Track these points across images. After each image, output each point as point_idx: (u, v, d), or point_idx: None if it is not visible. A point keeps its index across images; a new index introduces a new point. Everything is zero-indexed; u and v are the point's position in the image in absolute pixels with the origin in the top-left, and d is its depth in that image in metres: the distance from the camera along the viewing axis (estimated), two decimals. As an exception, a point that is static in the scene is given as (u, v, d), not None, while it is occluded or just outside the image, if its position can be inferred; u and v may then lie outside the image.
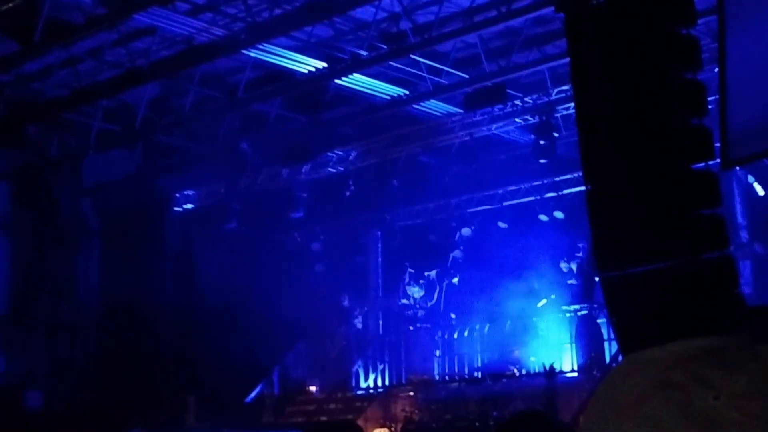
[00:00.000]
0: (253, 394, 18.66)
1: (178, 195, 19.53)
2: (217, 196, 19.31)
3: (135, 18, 13.53)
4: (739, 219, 16.22)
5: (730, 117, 8.14)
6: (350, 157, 18.18)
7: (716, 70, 8.62)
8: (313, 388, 19.26)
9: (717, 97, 8.49)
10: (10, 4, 13.23)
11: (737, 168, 14.03)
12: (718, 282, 7.38)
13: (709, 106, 8.05)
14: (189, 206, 19.72)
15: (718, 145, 8.03)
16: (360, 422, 17.54)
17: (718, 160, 8.30)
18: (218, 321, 17.80)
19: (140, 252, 18.62)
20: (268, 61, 14.71)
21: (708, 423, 0.98)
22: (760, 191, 15.97)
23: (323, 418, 17.71)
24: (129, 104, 16.73)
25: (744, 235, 16.23)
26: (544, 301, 17.76)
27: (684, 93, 7.74)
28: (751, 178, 16.05)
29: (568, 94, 14.65)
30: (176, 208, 19.62)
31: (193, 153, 18.21)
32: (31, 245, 18.61)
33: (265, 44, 14.13)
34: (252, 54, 14.42)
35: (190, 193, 19.65)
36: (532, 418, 3.90)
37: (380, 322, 20.26)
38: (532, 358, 17.07)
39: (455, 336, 18.49)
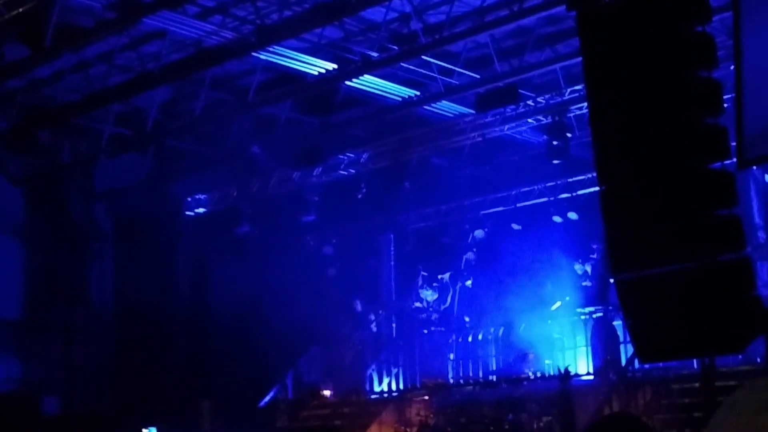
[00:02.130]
0: (267, 398, 18.58)
1: (189, 199, 19.49)
2: (229, 200, 19.26)
3: (144, 21, 13.48)
4: (756, 219, 16.02)
5: (746, 115, 8.01)
6: (362, 160, 18.09)
7: (732, 67, 8.49)
8: (327, 393, 19.16)
9: (733, 95, 8.37)
10: (20, 9, 13.20)
11: (754, 167, 13.87)
12: (735, 284, 7.26)
13: (725, 105, 7.93)
14: (201, 210, 19.68)
15: (734, 144, 7.90)
16: (374, 426, 17.48)
17: (734, 160, 8.18)
18: (231, 325, 17.75)
19: (153, 256, 18.60)
20: (278, 64, 14.64)
21: None
22: (777, 191, 15.79)
23: (337, 423, 17.61)
24: (140, 108, 16.72)
25: (761, 235, 16.03)
26: (559, 303, 17.62)
27: (699, 91, 7.61)
28: (768, 177, 15.87)
29: (581, 93, 14.49)
30: (188, 213, 19.58)
31: (204, 157, 18.18)
32: (44, 251, 18.61)
33: (274, 46, 14.07)
34: (262, 56, 14.36)
35: (202, 197, 19.62)
36: (623, 421, 3.78)
37: (394, 325, 20.16)
38: (547, 361, 16.93)
39: (469, 339, 18.36)
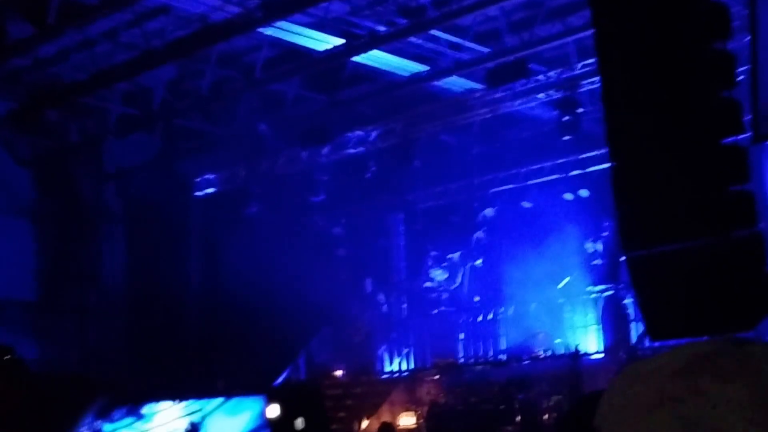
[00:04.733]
0: (280, 379, 18.52)
1: (198, 179, 19.39)
2: (237, 180, 19.14)
3: (148, -4, 13.35)
4: (770, 195, 15.81)
5: (761, 89, 7.85)
6: (370, 138, 17.90)
7: (747, 39, 8.32)
8: (338, 373, 19.12)
9: (747, 67, 8.18)
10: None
11: (768, 142, 13.64)
12: (747, 260, 7.14)
13: (739, 78, 7.75)
14: (210, 191, 19.57)
15: (748, 118, 7.73)
16: (386, 406, 17.43)
17: (748, 134, 8.01)
18: (242, 305, 17.65)
19: (163, 237, 18.52)
20: (284, 40, 14.50)
21: None
22: (793, 166, 15.55)
23: (349, 402, 17.56)
24: (146, 87, 16.61)
25: (776, 211, 15.82)
26: (566, 280, 17.47)
27: (712, 64, 7.45)
28: (782, 153, 15.62)
29: (593, 67, 14.21)
30: (197, 193, 19.48)
31: (212, 135, 18.07)
32: (55, 232, 18.57)
33: (281, 22, 13.91)
34: (268, 32, 14.23)
35: (211, 177, 19.50)
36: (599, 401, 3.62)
37: (404, 306, 20.06)
38: (558, 340, 16.82)
39: (479, 319, 18.25)
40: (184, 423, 13.91)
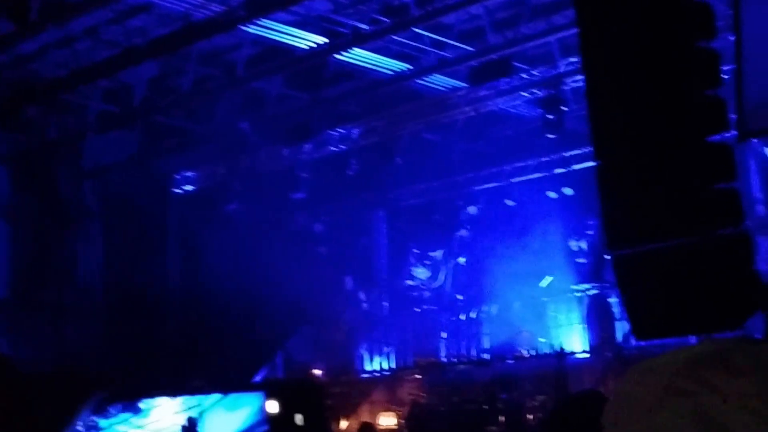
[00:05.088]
0: (257, 378, 18.42)
1: (178, 176, 19.25)
2: (218, 178, 19.04)
3: (129, -6, 13.24)
4: (756, 193, 15.86)
5: (746, 87, 7.84)
6: (352, 135, 17.84)
7: (731, 38, 8.30)
8: (318, 372, 19.02)
9: (732, 66, 8.17)
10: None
11: (754, 140, 13.68)
12: (734, 259, 7.12)
13: (724, 76, 7.74)
14: (189, 188, 19.44)
15: (733, 116, 7.72)
16: (366, 406, 17.37)
17: (734, 132, 8.00)
18: (221, 303, 17.56)
19: (142, 234, 18.38)
20: (267, 37, 14.42)
21: (720, 426, 1.02)
22: (777, 164, 15.61)
23: (328, 402, 17.47)
24: (127, 84, 16.48)
25: (761, 209, 15.87)
26: (549, 279, 17.47)
27: (697, 62, 7.43)
28: (767, 151, 15.68)
29: (577, 65, 14.23)
30: (176, 190, 19.35)
31: (193, 133, 17.94)
32: (32, 229, 18.39)
33: (263, 20, 13.82)
34: (250, 30, 14.13)
35: (190, 174, 19.37)
36: (590, 400, 3.63)
37: (385, 304, 20.00)
38: (541, 339, 16.80)
39: (462, 317, 18.22)
40: (182, 418, 13.85)
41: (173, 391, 14.32)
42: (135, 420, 14.14)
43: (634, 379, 1.12)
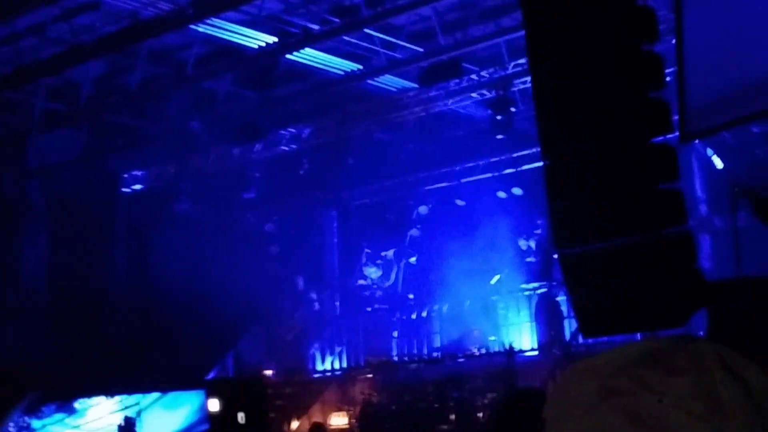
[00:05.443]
0: (207, 378, 18.31)
1: (126, 176, 19.05)
2: (167, 177, 18.88)
3: (78, -9, 13.10)
4: (698, 193, 16.08)
5: (688, 89, 7.95)
6: (303, 135, 17.80)
7: (673, 41, 8.42)
8: (269, 372, 18.92)
9: (674, 69, 8.29)
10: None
11: (696, 141, 13.88)
12: (677, 257, 7.22)
13: (667, 79, 7.86)
14: (138, 187, 19.25)
15: (676, 118, 7.83)
16: (317, 406, 17.32)
17: (677, 134, 8.12)
18: (171, 303, 17.41)
19: (89, 235, 18.15)
20: (217, 37, 14.33)
21: (655, 426, 1.02)
22: (719, 165, 15.83)
23: (279, 403, 17.41)
24: (74, 82, 16.28)
25: (703, 209, 16.10)
26: (497, 277, 17.59)
27: (641, 65, 7.53)
28: (710, 152, 15.89)
29: (525, 67, 14.36)
30: (125, 190, 19.15)
31: (141, 132, 17.77)
32: (-25, 229, 18.11)
33: (213, 19, 13.74)
34: (200, 29, 14.04)
35: (139, 173, 19.19)
36: (530, 397, 3.69)
37: (337, 303, 19.97)
38: (492, 338, 16.90)
39: (413, 316, 18.25)
40: (119, 418, 13.67)
41: (110, 391, 14.09)
42: (70, 420, 13.92)
43: (571, 379, 1.10)
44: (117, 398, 13.91)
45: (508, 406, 3.80)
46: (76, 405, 13.98)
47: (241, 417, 12.56)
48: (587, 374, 1.09)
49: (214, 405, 12.88)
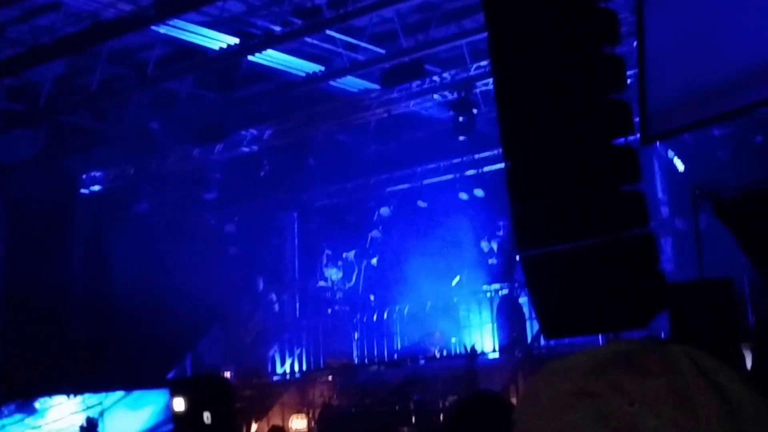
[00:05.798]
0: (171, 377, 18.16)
1: (85, 177, 18.87)
2: (127, 178, 18.73)
3: (37, -8, 12.96)
4: (660, 195, 16.22)
5: (649, 91, 8.02)
6: (265, 136, 17.74)
7: (635, 44, 8.49)
8: (228, 375, 18.79)
9: (636, 71, 8.36)
10: None
11: (657, 143, 14.01)
12: (639, 259, 7.28)
13: (628, 81, 7.92)
14: (97, 188, 19.08)
15: (637, 120, 7.89)
16: (276, 408, 17.24)
17: (638, 136, 8.18)
18: (129, 305, 17.26)
19: (47, 236, 17.92)
20: (178, 38, 14.24)
21: (626, 429, 1.01)
22: (681, 167, 15.98)
23: (238, 405, 17.29)
24: (32, 83, 16.10)
25: (665, 210, 16.25)
26: (458, 278, 17.63)
27: (603, 67, 7.61)
28: (671, 154, 16.04)
29: (487, 69, 14.41)
30: (83, 191, 18.97)
31: (101, 133, 17.61)
32: (-70, 230, 17.82)
33: (174, 20, 13.65)
34: (161, 30, 13.93)
35: (98, 174, 19.01)
36: (484, 401, 3.67)
37: (297, 305, 19.90)
38: (453, 340, 16.92)
39: (374, 318, 18.22)
40: (81, 418, 13.48)
41: (72, 390, 13.88)
42: (30, 420, 13.69)
43: (543, 381, 1.09)
44: (79, 398, 13.70)
45: (462, 409, 3.80)
46: (36, 405, 13.76)
47: (206, 416, 12.39)
48: (559, 376, 1.08)
49: (179, 404, 12.68)
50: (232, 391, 14.28)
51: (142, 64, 15.42)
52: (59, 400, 13.69)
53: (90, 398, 13.64)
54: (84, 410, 13.55)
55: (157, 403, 13.39)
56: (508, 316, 16.39)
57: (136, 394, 13.72)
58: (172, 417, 12.84)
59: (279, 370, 18.78)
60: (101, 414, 13.47)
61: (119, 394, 13.71)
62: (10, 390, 14.05)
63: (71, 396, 13.71)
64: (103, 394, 13.66)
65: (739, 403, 1.03)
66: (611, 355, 1.07)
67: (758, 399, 1.04)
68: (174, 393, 12.88)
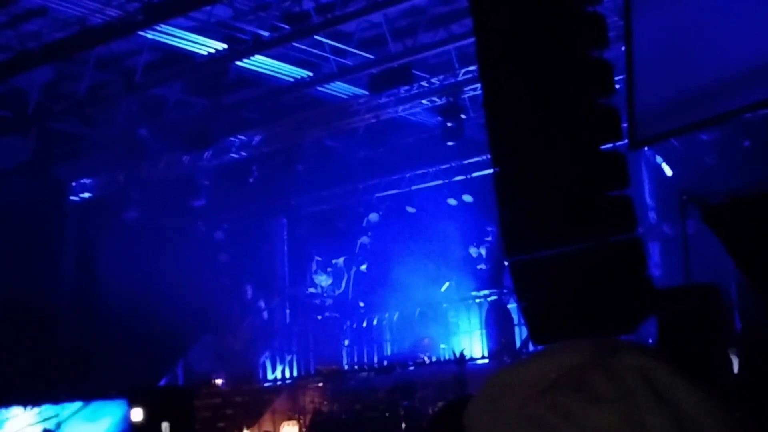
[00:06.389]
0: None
1: (74, 184, 18.80)
2: (116, 185, 18.66)
3: (24, -3, 12.92)
4: (648, 200, 16.23)
5: (637, 96, 8.03)
6: (253, 142, 17.70)
7: (623, 48, 8.49)
8: (218, 381, 18.74)
9: (624, 76, 8.36)
10: None
11: (645, 148, 14.03)
12: (627, 264, 7.27)
13: (616, 86, 7.91)
14: (86, 195, 19.02)
15: (625, 125, 7.88)
16: (267, 415, 17.20)
17: (626, 141, 8.17)
18: (119, 314, 17.20)
19: (36, 244, 17.86)
20: (166, 43, 14.20)
21: None
22: (669, 172, 16.00)
23: (229, 412, 17.27)
24: (20, 89, 16.04)
25: (653, 216, 16.26)
26: (447, 284, 17.61)
27: (591, 72, 7.59)
28: (659, 159, 16.07)
29: (475, 74, 14.40)
30: (73, 198, 18.90)
31: (90, 140, 17.55)
32: None
33: (162, 25, 13.62)
34: (149, 36, 13.90)
35: (87, 181, 18.95)
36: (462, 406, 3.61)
37: (287, 312, 19.85)
38: (442, 346, 16.90)
39: (364, 325, 18.20)
40: (38, 430, 13.37)
41: (28, 401, 13.74)
42: None
43: (490, 398, 1.03)
44: (35, 409, 13.56)
45: (447, 413, 3.79)
46: None
47: (165, 427, 12.29)
48: (504, 393, 1.02)
49: (137, 415, 12.56)
50: (191, 401, 14.14)
51: (130, 70, 15.38)
52: (15, 411, 13.56)
53: (47, 410, 13.51)
54: (41, 422, 13.43)
55: (115, 414, 13.29)
56: (497, 322, 16.38)
57: (94, 405, 13.60)
58: (130, 428, 12.73)
59: (270, 377, 18.74)
60: (58, 426, 13.37)
61: (77, 405, 13.58)
62: None
63: (27, 407, 13.58)
64: (60, 406, 13.54)
65: (693, 421, 0.96)
66: (559, 371, 1.00)
67: (718, 412, 0.98)
68: (132, 403, 12.77)
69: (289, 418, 17.10)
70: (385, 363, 17.47)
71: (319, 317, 19.07)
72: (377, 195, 19.46)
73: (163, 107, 16.70)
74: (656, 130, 8.41)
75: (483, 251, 17.71)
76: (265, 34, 14.09)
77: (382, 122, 16.94)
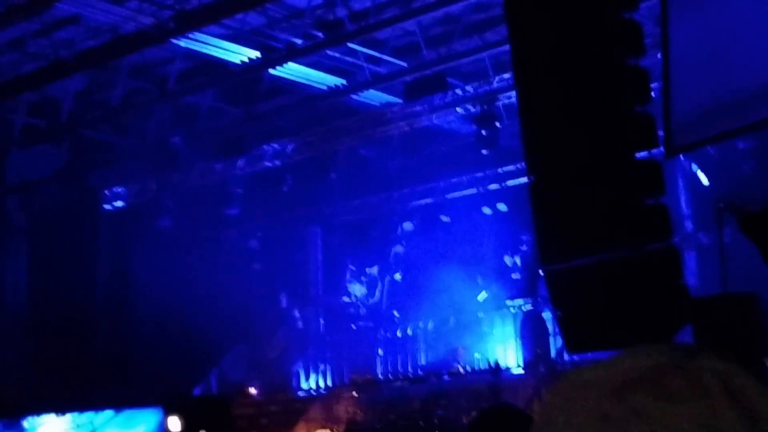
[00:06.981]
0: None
1: (107, 192, 18.90)
2: (149, 193, 18.72)
3: (57, 6, 12.99)
4: (684, 209, 16.04)
5: (673, 104, 7.90)
6: (287, 151, 17.69)
7: (659, 56, 8.38)
8: (252, 391, 18.73)
9: (660, 83, 8.24)
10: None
11: (681, 157, 13.86)
12: (663, 273, 7.16)
13: (652, 93, 7.80)
14: (119, 204, 19.10)
15: (661, 132, 7.78)
16: (301, 424, 17.16)
17: (662, 149, 8.06)
18: (153, 323, 17.26)
19: (70, 252, 17.97)
20: (199, 51, 14.26)
21: None
22: (705, 180, 15.81)
23: (263, 421, 17.24)
24: (54, 98, 16.16)
25: (688, 225, 16.06)
26: (484, 294, 17.48)
27: (627, 79, 7.50)
28: (695, 167, 15.88)
29: (510, 82, 14.31)
30: (106, 206, 18.99)
31: (123, 148, 17.66)
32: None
33: (195, 33, 13.68)
34: (182, 43, 13.96)
35: (121, 190, 19.03)
36: (504, 413, 3.63)
37: (321, 321, 19.82)
38: (477, 355, 16.78)
39: (398, 334, 18.11)
40: None
41: (61, 408, 13.76)
42: None
43: (560, 397, 1.03)
44: (67, 416, 13.58)
45: (482, 421, 3.73)
46: (25, 423, 13.66)
47: None
48: (580, 393, 1.01)
49: (174, 423, 12.51)
50: (229, 410, 14.10)
51: (162, 78, 15.44)
52: (48, 418, 13.60)
53: (79, 417, 13.53)
54: (73, 429, 13.46)
55: (149, 423, 13.27)
56: (531, 331, 16.25)
57: (128, 412, 13.60)
58: None
59: (304, 386, 18.70)
60: None
61: (110, 412, 13.58)
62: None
63: (61, 414, 13.61)
64: (93, 413, 13.55)
65: (767, 422, 0.95)
66: (635, 373, 0.99)
67: None
68: (169, 412, 12.73)
69: (323, 428, 17.04)
70: (420, 372, 17.39)
71: (353, 326, 19.02)
72: (411, 203, 19.36)
73: (196, 115, 16.74)
74: (692, 138, 8.28)
75: (518, 260, 17.57)
76: (299, 42, 14.09)
77: (416, 130, 16.87)
